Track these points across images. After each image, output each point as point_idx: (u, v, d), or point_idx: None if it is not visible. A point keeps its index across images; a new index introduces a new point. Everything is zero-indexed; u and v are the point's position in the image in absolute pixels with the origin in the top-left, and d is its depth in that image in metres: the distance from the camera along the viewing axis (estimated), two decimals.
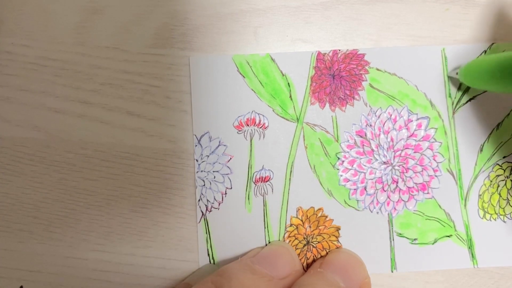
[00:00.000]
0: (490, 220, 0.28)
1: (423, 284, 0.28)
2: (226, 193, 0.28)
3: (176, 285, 0.27)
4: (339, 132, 0.28)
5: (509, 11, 0.28)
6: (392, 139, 0.28)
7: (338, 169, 0.28)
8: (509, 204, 0.28)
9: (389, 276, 0.28)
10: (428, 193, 0.28)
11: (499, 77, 0.23)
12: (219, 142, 0.28)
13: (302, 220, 0.28)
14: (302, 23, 0.28)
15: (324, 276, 0.25)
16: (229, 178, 0.28)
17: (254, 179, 0.28)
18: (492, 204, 0.28)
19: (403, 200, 0.28)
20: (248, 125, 0.28)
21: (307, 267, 0.28)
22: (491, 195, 0.28)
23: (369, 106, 0.28)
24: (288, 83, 0.28)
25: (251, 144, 0.28)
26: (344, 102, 0.28)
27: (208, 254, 0.28)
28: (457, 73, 0.27)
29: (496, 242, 0.28)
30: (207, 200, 0.28)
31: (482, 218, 0.28)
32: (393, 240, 0.28)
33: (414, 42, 0.28)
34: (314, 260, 0.28)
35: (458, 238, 0.28)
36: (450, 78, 0.28)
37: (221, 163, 0.28)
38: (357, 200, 0.28)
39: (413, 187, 0.28)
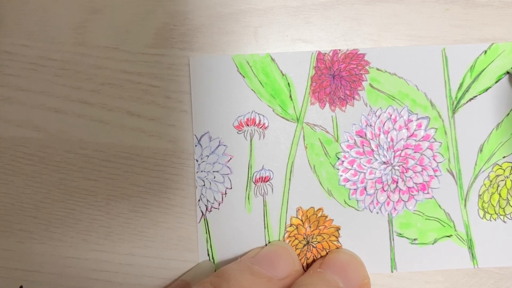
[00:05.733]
0: (490, 220, 0.28)
1: (423, 284, 0.28)
2: (226, 193, 0.28)
3: (174, 282, 0.27)
4: (339, 132, 0.28)
5: (509, 11, 0.28)
6: (392, 139, 0.28)
7: (338, 169, 0.28)
8: (509, 204, 0.28)
9: (389, 276, 0.28)
10: (428, 193, 0.28)
11: None
12: (219, 142, 0.28)
13: (302, 220, 0.28)
14: (302, 23, 0.28)
15: (323, 276, 0.25)
16: (229, 178, 0.28)
17: (254, 179, 0.28)
18: (492, 204, 0.28)
19: (403, 200, 0.28)
20: (248, 125, 0.28)
21: (307, 267, 0.28)
22: (491, 195, 0.28)
23: (369, 106, 0.28)
24: (288, 83, 0.28)
25: (251, 144, 0.28)
26: (344, 102, 0.28)
27: (208, 254, 0.28)
28: None
29: (496, 242, 0.28)
30: (207, 200, 0.28)
31: (482, 218, 0.28)
32: (393, 240, 0.28)
33: (414, 42, 0.28)
34: (314, 260, 0.28)
35: (458, 238, 0.28)
36: (510, 74, 0.28)
37: (221, 163, 0.28)
38: (357, 200, 0.28)
39: (413, 187, 0.28)
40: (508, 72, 0.28)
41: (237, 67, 0.28)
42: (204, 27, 0.28)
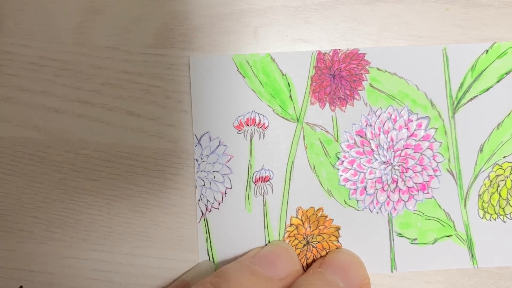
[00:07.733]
0: (490, 220, 0.28)
1: (423, 284, 0.28)
2: (226, 193, 0.28)
3: (174, 283, 0.27)
4: (339, 132, 0.28)
5: (509, 11, 0.28)
6: (392, 139, 0.28)
7: (338, 169, 0.28)
8: (509, 204, 0.28)
9: (389, 276, 0.28)
10: (428, 193, 0.28)
11: None
12: (219, 142, 0.28)
13: (302, 220, 0.28)
14: (302, 23, 0.28)
15: (323, 276, 0.25)
16: (229, 178, 0.28)
17: (254, 179, 0.28)
18: (492, 204, 0.28)
19: (403, 200, 0.28)
20: (248, 125, 0.28)
21: (307, 267, 0.28)
22: (491, 195, 0.28)
23: (369, 106, 0.28)
24: (288, 83, 0.28)
25: (251, 144, 0.28)
26: (344, 102, 0.28)
27: (208, 254, 0.28)
28: None
29: (496, 242, 0.28)
30: (207, 200, 0.28)
31: (482, 218, 0.28)
32: (393, 240, 0.28)
33: (414, 42, 0.28)
34: (314, 260, 0.28)
35: (458, 238, 0.28)
36: None
37: (221, 163, 0.28)
38: (357, 200, 0.28)
39: (413, 187, 0.28)
40: None
41: (237, 67, 0.28)
42: (204, 27, 0.28)
